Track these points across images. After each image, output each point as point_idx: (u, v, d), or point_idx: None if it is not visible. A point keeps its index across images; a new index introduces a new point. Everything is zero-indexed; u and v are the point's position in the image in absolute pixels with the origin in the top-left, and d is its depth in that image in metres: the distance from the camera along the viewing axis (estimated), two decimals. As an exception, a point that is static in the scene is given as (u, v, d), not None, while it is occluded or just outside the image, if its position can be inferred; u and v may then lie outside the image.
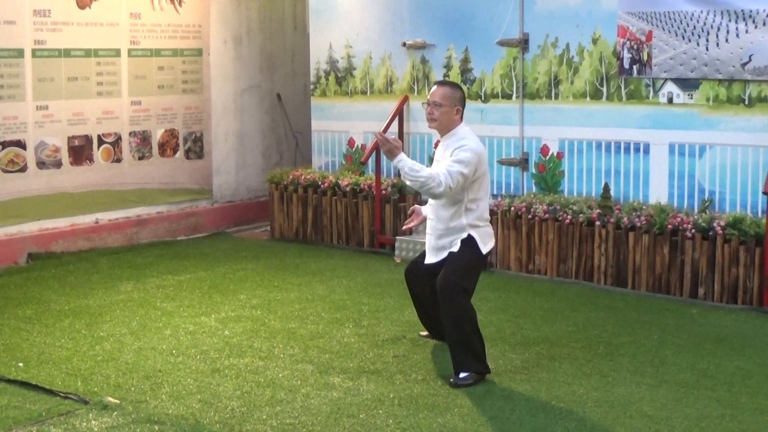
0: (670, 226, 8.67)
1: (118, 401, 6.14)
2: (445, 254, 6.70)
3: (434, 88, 6.82)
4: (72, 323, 7.98)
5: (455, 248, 6.67)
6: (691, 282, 8.62)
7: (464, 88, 10.27)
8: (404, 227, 7.30)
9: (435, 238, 6.78)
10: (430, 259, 6.82)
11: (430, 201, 6.82)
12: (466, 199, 6.63)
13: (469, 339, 6.54)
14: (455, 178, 6.47)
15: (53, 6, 10.51)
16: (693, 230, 8.56)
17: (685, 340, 7.46)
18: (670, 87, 9.14)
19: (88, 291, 9.05)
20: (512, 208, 9.58)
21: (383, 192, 10.61)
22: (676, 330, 7.72)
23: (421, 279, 6.98)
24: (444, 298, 6.53)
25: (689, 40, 8.93)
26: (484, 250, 6.70)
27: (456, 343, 6.53)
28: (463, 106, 6.81)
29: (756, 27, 8.60)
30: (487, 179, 6.81)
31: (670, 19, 9.01)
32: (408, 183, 6.55)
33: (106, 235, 11.04)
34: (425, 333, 7.39)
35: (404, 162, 6.49)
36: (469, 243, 6.66)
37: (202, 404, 6.11)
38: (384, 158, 10.70)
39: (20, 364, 6.90)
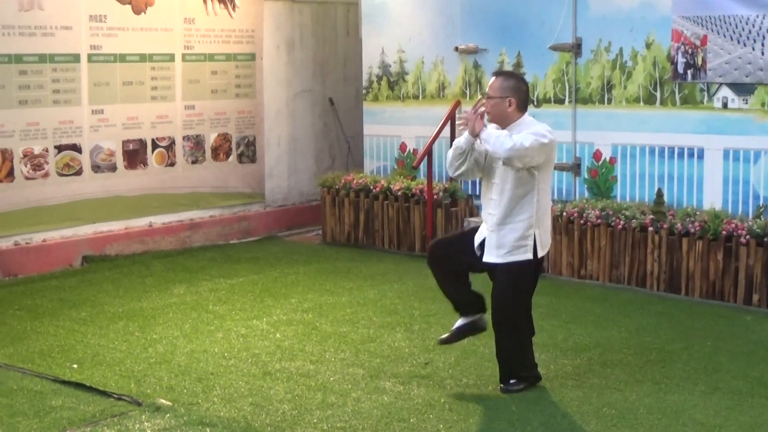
0: (724, 232, 8.59)
1: (170, 403, 6.19)
2: (503, 257, 6.40)
3: (491, 79, 6.63)
4: (126, 325, 8.06)
5: (517, 257, 6.38)
6: (745, 288, 8.53)
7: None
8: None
9: (498, 234, 6.42)
10: (489, 257, 6.44)
11: (494, 195, 6.47)
12: (537, 187, 6.37)
13: (520, 349, 6.52)
14: (528, 140, 6.18)
15: (109, 12, 10.63)
16: (747, 236, 8.47)
17: (739, 347, 7.38)
18: (725, 92, 9.06)
19: (141, 294, 9.13)
20: (564, 214, 9.53)
21: (435, 196, 10.60)
22: (729, 337, 7.65)
23: (452, 262, 6.63)
24: (504, 326, 6.43)
25: (744, 45, 8.85)
26: (542, 252, 6.46)
27: (506, 352, 6.50)
28: (519, 97, 6.47)
29: (813, 31, 8.52)
30: (552, 171, 6.61)
31: (725, 23, 8.93)
32: (484, 146, 6.31)
33: (159, 239, 11.13)
34: (448, 335, 6.91)
35: (485, 132, 6.29)
36: (524, 252, 6.41)
37: (253, 407, 6.15)
38: (436, 162, 10.68)
39: (75, 366, 6.98)
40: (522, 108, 6.50)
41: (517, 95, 6.47)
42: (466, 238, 6.79)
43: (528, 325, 6.57)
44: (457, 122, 6.70)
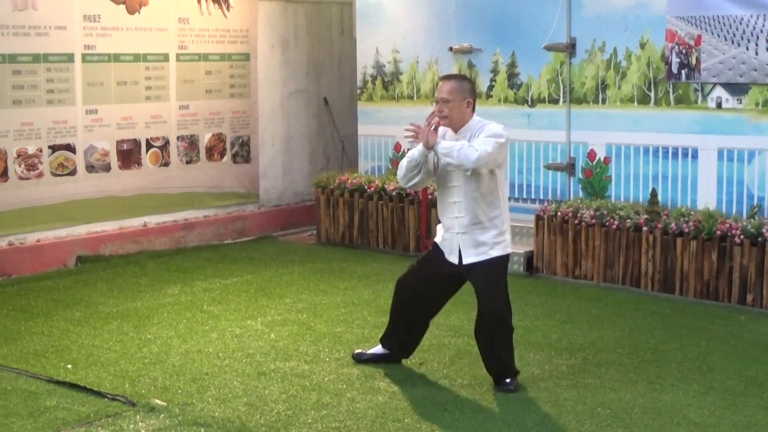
0: (718, 232, 8.59)
1: (164, 403, 6.19)
2: (486, 253, 6.49)
3: (440, 84, 6.69)
4: (120, 326, 8.05)
5: (497, 252, 6.51)
6: (739, 288, 8.54)
7: (511, 93, 10.29)
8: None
9: (472, 234, 6.50)
10: (468, 258, 6.51)
11: (456, 198, 6.55)
12: (500, 183, 6.52)
13: (512, 351, 6.59)
14: (490, 145, 6.32)
15: (103, 11, 10.62)
16: (742, 236, 8.48)
17: (733, 347, 7.39)
18: (719, 92, 9.07)
19: (136, 294, 9.12)
20: (559, 213, 9.54)
21: (429, 196, 10.59)
22: (724, 337, 7.66)
23: (419, 295, 6.80)
24: (497, 323, 6.47)
25: (738, 45, 8.85)
26: (510, 249, 6.66)
27: (503, 358, 6.54)
28: (474, 98, 6.63)
29: (807, 31, 8.52)
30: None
31: (720, 23, 8.94)
32: (445, 160, 6.40)
33: (153, 239, 11.12)
34: (363, 352, 7.09)
35: (440, 147, 6.39)
36: (503, 247, 6.57)
37: (248, 407, 6.14)
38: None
39: (69, 366, 6.98)
40: (474, 109, 6.64)
41: (473, 96, 6.63)
42: (427, 266, 6.83)
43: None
44: (405, 134, 6.65)
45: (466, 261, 6.55)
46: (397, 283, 6.93)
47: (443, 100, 6.55)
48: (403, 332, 6.95)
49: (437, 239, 6.77)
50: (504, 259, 6.60)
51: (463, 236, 6.55)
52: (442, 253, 6.69)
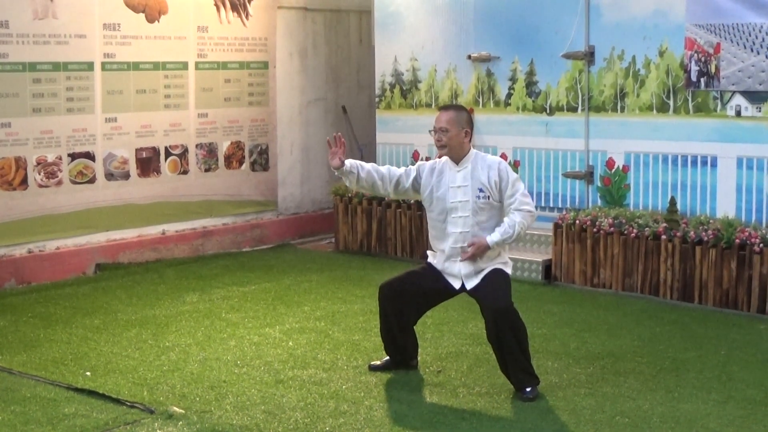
0: (737, 241, 8.56)
1: (183, 411, 6.20)
2: (483, 274, 6.62)
3: (438, 113, 6.79)
4: (139, 333, 8.07)
5: (496, 265, 6.63)
6: (758, 297, 8.50)
7: (529, 101, 10.28)
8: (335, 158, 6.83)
9: (475, 262, 6.61)
10: (471, 283, 6.63)
11: (461, 228, 6.66)
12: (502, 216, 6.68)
13: (528, 353, 6.57)
14: (525, 194, 6.62)
15: (123, 20, 10.67)
16: (761, 245, 8.45)
17: (752, 356, 7.36)
18: (738, 100, 9.03)
19: (154, 301, 9.14)
20: (577, 222, 9.52)
21: (447, 205, 10.59)
22: (743, 346, 7.63)
23: (402, 302, 6.86)
24: (506, 322, 6.44)
25: (758, 53, 8.82)
26: (510, 269, 6.75)
27: (521, 360, 6.51)
28: (471, 128, 6.78)
29: (826, 39, 8.49)
30: None
31: (739, 31, 8.91)
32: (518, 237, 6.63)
33: (172, 246, 11.15)
34: (378, 363, 7.11)
35: (495, 240, 6.53)
36: (503, 264, 6.70)
37: (266, 415, 6.15)
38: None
39: (88, 373, 7.00)
40: (471, 139, 6.78)
41: (470, 127, 6.76)
42: (414, 278, 6.95)
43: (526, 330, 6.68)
44: (463, 256, 6.65)
45: (469, 287, 6.65)
46: (379, 289, 7.02)
47: (441, 130, 6.67)
48: (399, 334, 6.97)
49: (432, 261, 6.86)
50: (504, 272, 6.67)
51: (466, 264, 6.66)
52: (437, 272, 6.79)
